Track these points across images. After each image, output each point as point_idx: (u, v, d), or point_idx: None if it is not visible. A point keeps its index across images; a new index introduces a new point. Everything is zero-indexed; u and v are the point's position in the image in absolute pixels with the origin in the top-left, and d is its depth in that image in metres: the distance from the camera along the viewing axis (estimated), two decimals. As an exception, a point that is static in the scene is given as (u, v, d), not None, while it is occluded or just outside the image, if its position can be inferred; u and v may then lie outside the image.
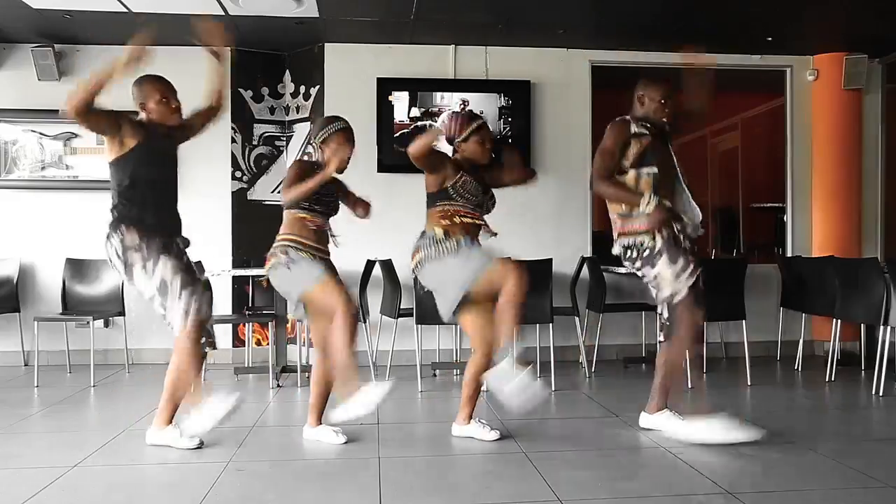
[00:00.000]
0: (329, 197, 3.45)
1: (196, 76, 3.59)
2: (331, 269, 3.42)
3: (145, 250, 3.22)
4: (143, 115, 3.35)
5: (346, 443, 3.40)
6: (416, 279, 4.78)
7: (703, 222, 3.58)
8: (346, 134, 3.42)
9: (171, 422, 3.36)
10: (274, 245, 3.40)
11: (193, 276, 3.32)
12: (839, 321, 4.95)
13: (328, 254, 3.49)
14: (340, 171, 3.40)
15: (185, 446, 3.30)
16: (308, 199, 3.34)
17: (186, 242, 3.44)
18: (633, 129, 3.48)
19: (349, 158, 3.42)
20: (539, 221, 5.81)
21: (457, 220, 3.36)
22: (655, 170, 3.46)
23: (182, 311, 3.22)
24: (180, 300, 3.22)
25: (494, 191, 3.54)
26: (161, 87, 3.34)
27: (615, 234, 3.58)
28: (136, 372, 5.42)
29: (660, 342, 3.73)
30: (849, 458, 3.14)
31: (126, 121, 3.27)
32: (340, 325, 3.27)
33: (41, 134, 5.81)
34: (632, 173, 3.47)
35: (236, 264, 5.74)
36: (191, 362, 3.27)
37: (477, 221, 3.41)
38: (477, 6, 5.07)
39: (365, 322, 5.01)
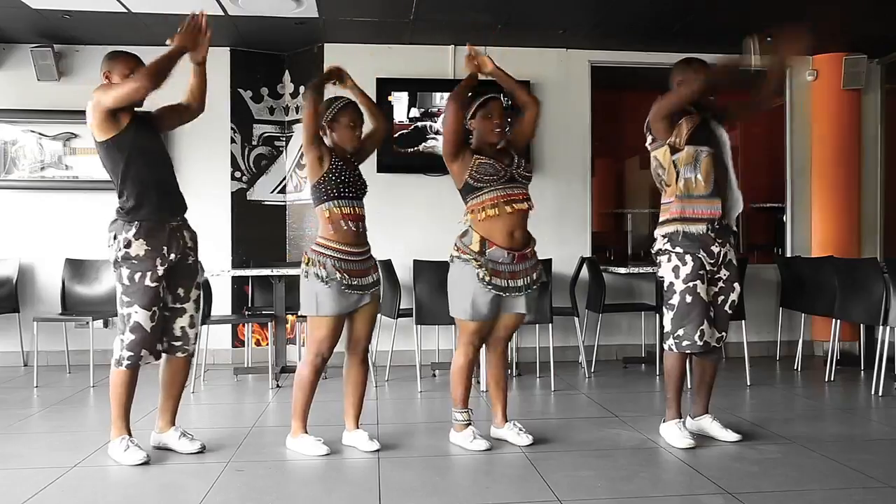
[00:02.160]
0: (354, 178, 3.29)
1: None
2: (348, 302, 3.26)
3: (136, 273, 3.15)
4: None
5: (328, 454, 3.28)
6: (415, 279, 4.80)
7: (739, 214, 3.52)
8: (352, 110, 3.30)
9: (127, 430, 3.25)
10: (312, 245, 3.28)
11: (154, 317, 3.24)
12: (839, 321, 4.96)
13: (366, 254, 3.36)
14: (353, 147, 3.33)
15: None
16: (332, 187, 3.20)
17: (192, 238, 3.45)
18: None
19: (360, 134, 3.34)
20: (539, 221, 5.73)
21: (488, 212, 3.26)
22: (713, 150, 3.33)
23: (117, 350, 3.26)
24: (122, 340, 3.26)
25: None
26: (132, 64, 3.14)
27: (662, 218, 3.49)
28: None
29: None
30: (849, 458, 3.15)
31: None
32: (300, 368, 3.37)
33: (40, 134, 5.81)
34: (689, 149, 3.30)
35: (236, 264, 5.75)
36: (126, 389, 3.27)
37: (512, 206, 3.29)
38: (477, 6, 5.06)
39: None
